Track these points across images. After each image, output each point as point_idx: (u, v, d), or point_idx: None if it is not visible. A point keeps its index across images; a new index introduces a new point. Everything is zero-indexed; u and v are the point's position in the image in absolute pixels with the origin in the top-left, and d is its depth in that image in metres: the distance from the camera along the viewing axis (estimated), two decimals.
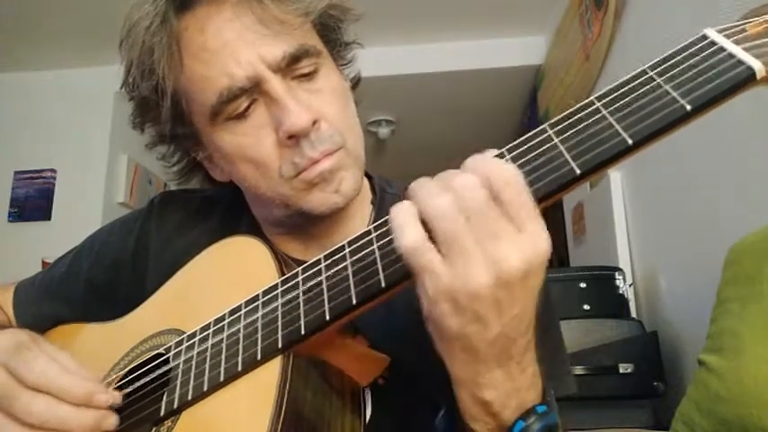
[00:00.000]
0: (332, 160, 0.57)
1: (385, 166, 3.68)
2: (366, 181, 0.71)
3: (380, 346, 0.50)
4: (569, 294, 1.57)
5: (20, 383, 0.46)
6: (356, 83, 0.69)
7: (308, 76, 0.57)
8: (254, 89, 0.55)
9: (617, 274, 1.66)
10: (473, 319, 0.38)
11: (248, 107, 0.56)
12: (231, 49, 0.54)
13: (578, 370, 1.43)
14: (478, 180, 0.37)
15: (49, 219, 2.67)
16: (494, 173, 0.37)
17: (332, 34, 0.63)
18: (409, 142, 3.49)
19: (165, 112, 0.58)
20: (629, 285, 1.70)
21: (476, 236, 0.36)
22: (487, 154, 0.41)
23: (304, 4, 0.56)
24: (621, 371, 1.44)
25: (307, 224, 0.62)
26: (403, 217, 0.38)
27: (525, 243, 0.36)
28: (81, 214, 2.61)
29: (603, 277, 1.65)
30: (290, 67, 0.56)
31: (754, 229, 0.98)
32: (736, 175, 1.23)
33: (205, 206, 0.72)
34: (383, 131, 3.30)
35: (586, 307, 1.57)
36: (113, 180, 2.74)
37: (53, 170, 2.72)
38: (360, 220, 0.67)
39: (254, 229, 0.68)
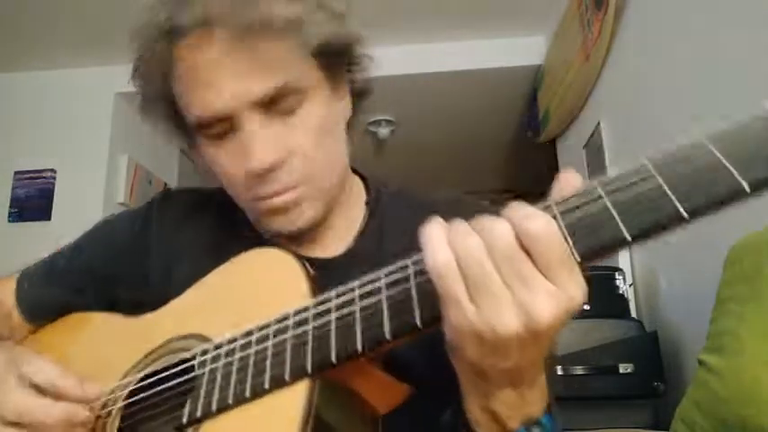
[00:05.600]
0: (292, 195, 0.59)
1: (385, 166, 3.68)
2: (359, 182, 0.72)
3: (397, 357, 0.49)
4: None
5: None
6: (363, 93, 0.68)
7: (288, 111, 0.58)
8: (230, 120, 0.57)
9: (617, 274, 1.66)
10: (493, 353, 0.38)
11: (226, 131, 0.58)
12: (212, 80, 0.56)
13: (578, 370, 1.43)
14: (510, 228, 0.37)
15: (49, 219, 2.66)
16: (524, 222, 0.36)
17: (333, 59, 0.61)
18: (409, 142, 3.48)
19: (155, 116, 0.63)
20: (629, 285, 1.70)
21: (505, 279, 0.36)
22: (571, 180, 0.40)
23: (294, 40, 0.56)
24: (621, 371, 1.44)
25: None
26: (435, 238, 0.38)
27: (557, 293, 0.36)
28: (81, 214, 2.60)
29: (603, 277, 1.65)
30: (268, 104, 0.57)
31: (754, 229, 0.98)
32: None
33: (203, 201, 0.73)
34: (383, 131, 3.29)
35: (586, 307, 1.57)
36: (113, 180, 2.74)
37: (53, 170, 2.71)
38: (352, 222, 0.68)
39: (254, 228, 0.68)
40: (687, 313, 1.48)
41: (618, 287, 1.63)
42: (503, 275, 0.36)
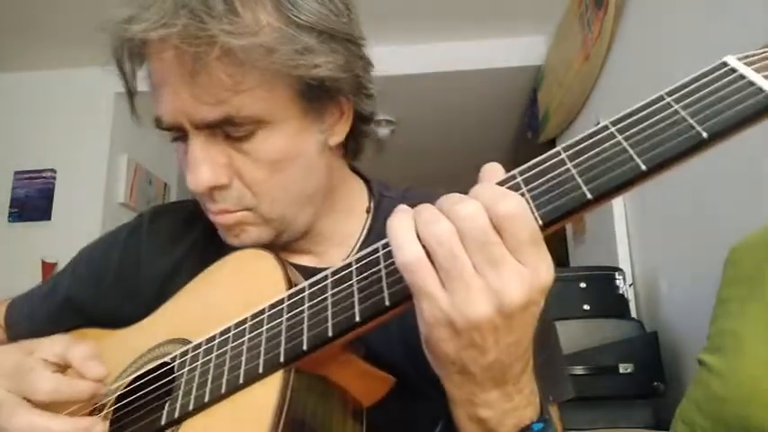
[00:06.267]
0: (233, 217, 0.58)
1: (384, 166, 3.68)
2: (363, 187, 0.70)
3: (379, 356, 0.50)
4: (569, 294, 1.57)
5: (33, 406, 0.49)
6: (365, 116, 0.63)
7: (239, 138, 0.55)
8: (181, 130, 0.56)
9: (617, 274, 1.66)
10: (470, 345, 0.38)
11: (182, 137, 0.57)
12: (165, 90, 0.54)
13: (578, 370, 1.43)
14: (481, 208, 0.36)
15: (49, 219, 2.66)
16: (497, 202, 0.36)
17: (315, 88, 0.55)
18: (409, 142, 3.48)
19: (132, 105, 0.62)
20: (629, 285, 1.71)
21: (476, 265, 0.36)
22: (496, 172, 0.40)
23: (259, 68, 0.51)
24: (621, 371, 1.44)
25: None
26: (401, 232, 0.38)
27: (527, 274, 0.36)
28: (81, 214, 2.61)
29: (603, 277, 1.65)
30: (215, 127, 0.54)
31: (754, 229, 0.98)
32: (736, 175, 1.23)
33: (197, 213, 0.70)
34: (383, 131, 3.30)
35: (586, 307, 1.57)
36: (113, 180, 2.74)
37: (53, 170, 2.72)
38: (351, 231, 0.66)
39: None
40: (687, 313, 1.48)
41: (618, 287, 1.63)
42: (474, 261, 0.36)
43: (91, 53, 2.65)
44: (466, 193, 0.39)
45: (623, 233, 1.87)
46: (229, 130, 0.54)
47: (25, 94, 2.80)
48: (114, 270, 0.69)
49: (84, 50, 2.65)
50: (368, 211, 0.68)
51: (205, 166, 0.54)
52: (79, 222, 2.57)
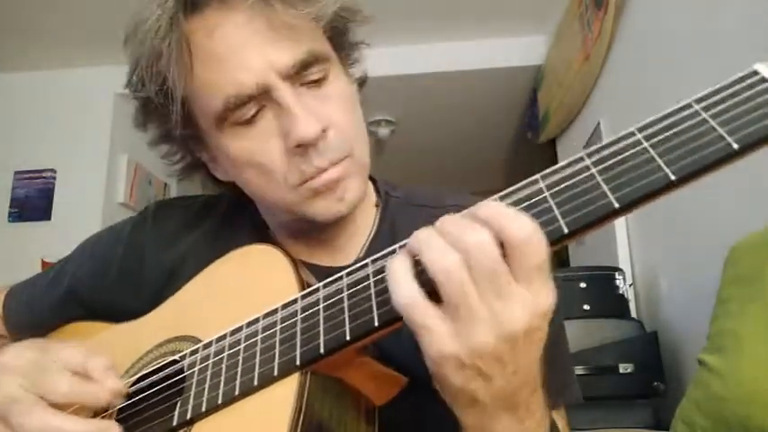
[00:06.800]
0: (339, 169, 0.56)
1: (384, 166, 3.68)
2: (369, 183, 0.70)
3: (391, 356, 0.50)
4: (569, 294, 1.57)
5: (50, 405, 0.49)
6: (362, 83, 0.68)
7: (318, 82, 0.56)
8: (263, 96, 0.54)
9: (617, 274, 1.66)
10: (476, 375, 0.37)
11: (256, 113, 0.55)
12: (240, 55, 0.54)
13: (578, 370, 1.43)
14: (491, 238, 0.36)
15: (49, 219, 2.66)
16: (510, 230, 0.35)
17: (341, 37, 0.61)
18: (409, 142, 3.49)
19: (175, 115, 0.56)
20: (629, 285, 1.71)
21: (481, 294, 0.36)
22: (495, 202, 0.40)
23: (315, 8, 0.54)
24: (621, 371, 1.44)
25: (310, 228, 0.62)
26: (397, 272, 0.38)
27: (530, 300, 0.36)
28: (81, 214, 2.60)
29: (603, 277, 1.65)
30: (300, 73, 0.55)
31: (754, 229, 0.98)
32: (735, 175, 1.23)
33: (203, 210, 0.71)
34: (383, 131, 3.30)
35: (586, 307, 1.57)
36: (113, 180, 2.74)
37: (53, 170, 2.71)
38: (363, 224, 0.66)
39: (255, 232, 0.67)
40: (687, 313, 1.48)
41: (618, 287, 1.63)
42: (479, 290, 0.36)
43: (90, 53, 2.65)
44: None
45: (623, 233, 1.87)
46: (309, 73, 0.56)
47: (25, 95, 2.80)
48: (118, 265, 0.69)
49: (83, 50, 2.65)
50: (377, 206, 0.68)
51: (310, 111, 0.54)
52: (79, 222, 2.57)
